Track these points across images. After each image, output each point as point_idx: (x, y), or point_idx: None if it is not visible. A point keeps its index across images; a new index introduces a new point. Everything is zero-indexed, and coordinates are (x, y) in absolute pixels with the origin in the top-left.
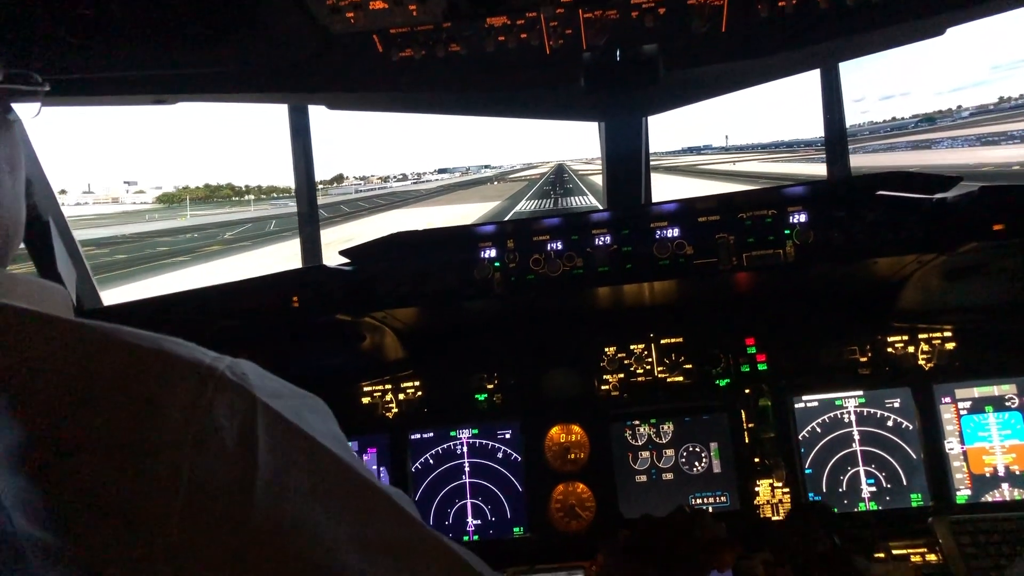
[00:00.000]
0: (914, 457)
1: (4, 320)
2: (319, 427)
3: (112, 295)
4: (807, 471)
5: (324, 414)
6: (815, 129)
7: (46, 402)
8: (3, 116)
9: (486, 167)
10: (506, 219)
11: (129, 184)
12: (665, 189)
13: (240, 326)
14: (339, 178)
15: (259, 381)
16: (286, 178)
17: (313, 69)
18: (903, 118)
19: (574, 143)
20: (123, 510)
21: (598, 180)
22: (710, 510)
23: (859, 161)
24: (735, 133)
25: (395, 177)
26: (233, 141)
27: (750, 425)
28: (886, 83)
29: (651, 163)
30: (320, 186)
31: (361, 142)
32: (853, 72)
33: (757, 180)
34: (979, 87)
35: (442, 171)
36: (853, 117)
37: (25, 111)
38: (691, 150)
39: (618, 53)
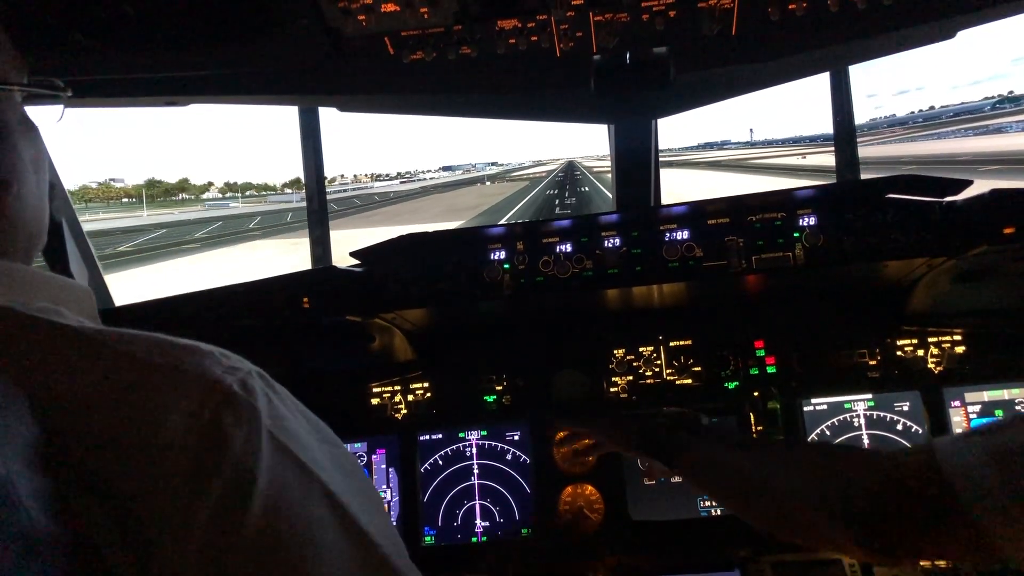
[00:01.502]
0: None
1: (18, 325)
2: (317, 456)
3: None
4: None
5: (327, 437)
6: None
7: (61, 404)
8: (28, 119)
9: (493, 164)
10: (515, 221)
11: (114, 181)
12: (724, 187)
13: (250, 327)
14: (298, 181)
15: (265, 399)
16: (264, 176)
17: (324, 71)
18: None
19: (587, 139)
20: (129, 508)
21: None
22: (719, 513)
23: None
24: (752, 128)
25: (385, 176)
26: (226, 139)
27: (759, 428)
28: (899, 78)
29: (685, 159)
30: (274, 192)
31: (366, 139)
32: (865, 67)
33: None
34: (998, 80)
35: (446, 168)
36: (867, 113)
37: (47, 114)
38: (709, 145)
39: (628, 56)
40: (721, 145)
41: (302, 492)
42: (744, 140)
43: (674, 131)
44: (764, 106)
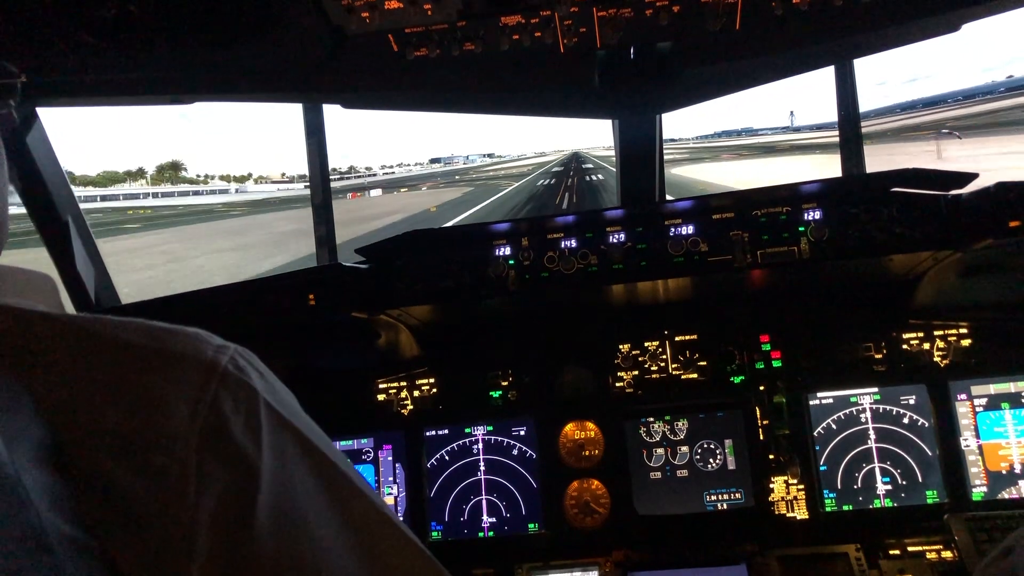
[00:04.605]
0: (930, 454)
1: (16, 322)
2: (307, 422)
3: None
4: (822, 468)
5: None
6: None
7: (63, 400)
8: None
9: (488, 155)
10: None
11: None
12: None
13: (257, 324)
14: (174, 166)
15: (257, 375)
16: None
17: (329, 69)
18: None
19: (594, 129)
20: (137, 504)
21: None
22: (725, 507)
23: None
24: (792, 110)
25: (337, 171)
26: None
27: (765, 422)
28: (909, 66)
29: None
30: (110, 188)
31: (353, 129)
32: (874, 56)
33: None
34: (1010, 65)
35: (434, 161)
36: (875, 101)
37: (46, 115)
38: (726, 134)
39: (632, 51)
40: (755, 132)
41: (303, 462)
42: (781, 125)
43: (675, 121)
44: (804, 88)
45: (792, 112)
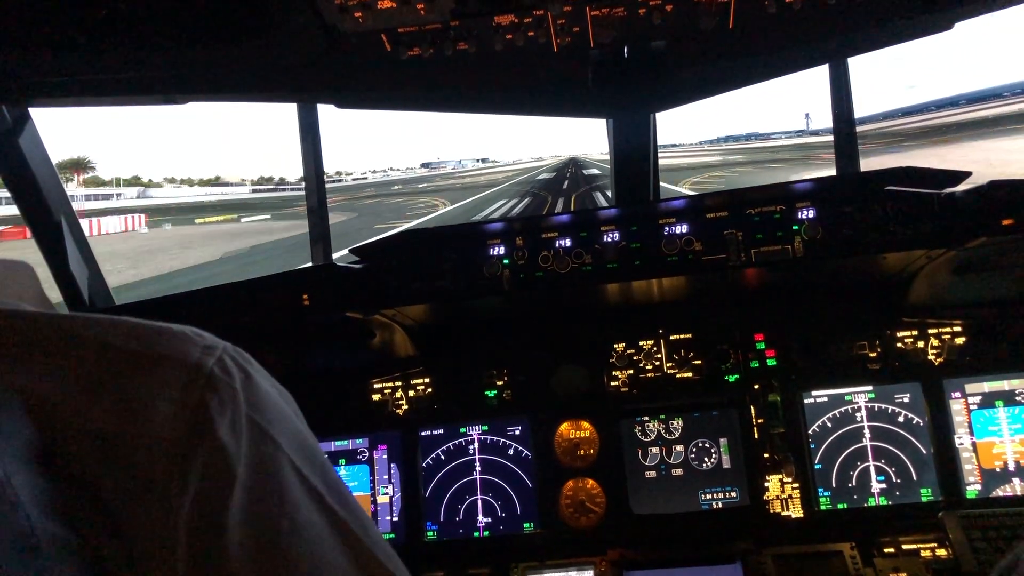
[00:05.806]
0: (924, 452)
1: (2, 322)
2: (292, 427)
3: None
4: (817, 466)
5: (295, 411)
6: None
7: (50, 401)
8: None
9: (482, 160)
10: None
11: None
12: None
13: (251, 324)
14: (77, 164)
15: (242, 376)
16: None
17: (322, 69)
18: None
19: (595, 135)
20: (121, 504)
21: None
22: (720, 506)
23: None
24: (808, 112)
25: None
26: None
27: (760, 421)
28: (910, 73)
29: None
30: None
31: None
32: (874, 63)
33: None
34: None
35: (425, 165)
36: (880, 107)
37: (38, 114)
38: (733, 139)
39: (626, 50)
40: (764, 136)
41: (282, 468)
42: (795, 129)
43: (676, 125)
44: (797, 90)
45: (808, 115)
